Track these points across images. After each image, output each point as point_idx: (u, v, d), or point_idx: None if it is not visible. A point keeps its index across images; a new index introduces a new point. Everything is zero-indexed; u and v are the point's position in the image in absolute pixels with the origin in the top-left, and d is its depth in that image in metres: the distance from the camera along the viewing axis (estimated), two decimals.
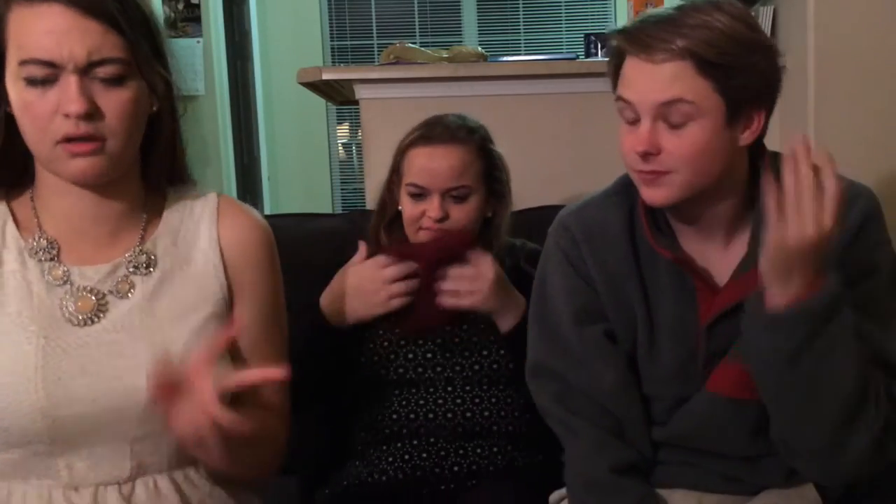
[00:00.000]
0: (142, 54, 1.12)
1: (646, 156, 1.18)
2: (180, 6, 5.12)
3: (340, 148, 6.29)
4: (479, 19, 6.09)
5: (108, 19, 1.08)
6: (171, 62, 1.19)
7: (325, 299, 1.55)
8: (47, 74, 1.07)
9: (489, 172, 1.61)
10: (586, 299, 1.33)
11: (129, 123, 1.12)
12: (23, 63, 1.07)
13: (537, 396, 1.38)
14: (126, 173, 1.18)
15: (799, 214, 1.07)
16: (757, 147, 1.26)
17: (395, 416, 1.55)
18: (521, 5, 6.04)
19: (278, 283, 1.32)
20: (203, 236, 1.24)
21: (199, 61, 5.14)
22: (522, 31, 6.04)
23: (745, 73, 1.16)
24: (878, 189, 2.29)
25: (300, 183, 6.04)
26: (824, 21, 2.28)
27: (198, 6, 5.13)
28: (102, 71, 1.09)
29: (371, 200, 2.30)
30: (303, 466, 1.60)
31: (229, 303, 1.24)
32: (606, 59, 1.27)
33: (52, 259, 1.17)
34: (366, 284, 1.52)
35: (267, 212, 5.68)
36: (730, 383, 1.26)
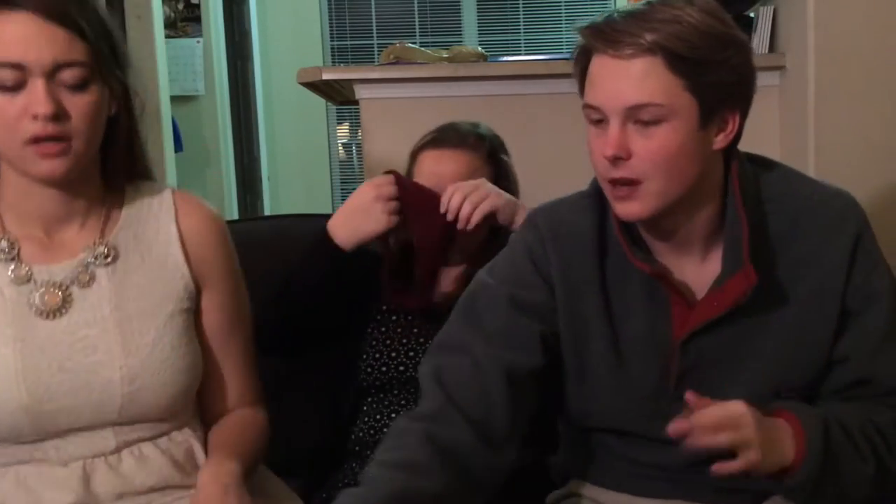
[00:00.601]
0: (103, 60, 1.17)
1: (615, 160, 1.12)
2: (180, 6, 5.13)
3: (340, 148, 6.30)
4: (479, 19, 6.09)
5: (72, 26, 1.14)
6: (129, 69, 1.24)
7: (332, 219, 1.55)
8: (16, 79, 1.12)
9: (496, 181, 1.59)
10: (541, 298, 1.25)
11: (92, 124, 1.18)
12: None
13: (421, 371, 1.24)
14: (87, 171, 1.23)
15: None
16: (731, 152, 1.21)
17: (393, 416, 1.55)
18: (521, 5, 6.04)
19: (238, 272, 1.38)
20: (162, 230, 1.29)
21: (199, 61, 5.15)
22: (522, 31, 6.05)
23: (718, 70, 1.11)
24: (879, 189, 2.30)
25: (300, 183, 6.05)
26: (824, 21, 2.28)
27: (198, 6, 5.14)
28: (67, 75, 1.14)
29: None
30: (301, 468, 1.60)
31: (195, 296, 1.31)
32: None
33: (12, 259, 1.22)
34: (366, 199, 1.51)
35: (267, 212, 5.68)
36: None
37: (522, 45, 6.00)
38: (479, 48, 2.73)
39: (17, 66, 1.12)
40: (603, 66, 1.12)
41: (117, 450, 1.23)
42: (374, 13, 6.10)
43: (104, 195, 1.27)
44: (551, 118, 2.43)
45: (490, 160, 1.62)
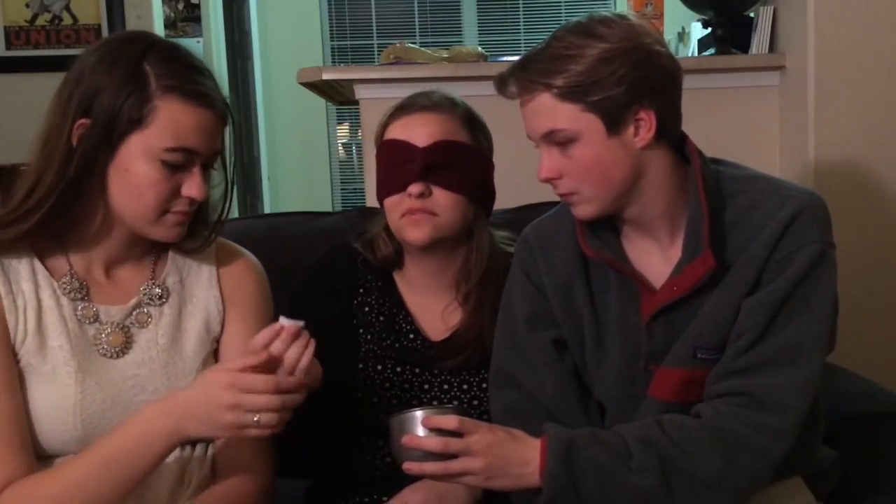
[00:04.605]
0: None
1: (549, 181, 1.28)
2: (180, 6, 5.12)
3: (340, 148, 6.29)
4: (479, 19, 6.09)
5: (226, 122, 1.29)
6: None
7: None
8: (183, 161, 1.23)
9: (476, 149, 1.50)
10: (537, 305, 1.38)
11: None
12: (171, 150, 1.21)
13: (492, 407, 1.41)
14: None
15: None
16: (675, 139, 1.29)
17: (388, 459, 1.45)
18: (521, 5, 6.04)
19: (268, 316, 1.41)
20: (204, 276, 1.38)
21: None
22: (522, 31, 6.04)
23: (602, 87, 1.20)
24: (878, 188, 2.30)
25: (300, 183, 6.04)
26: (824, 21, 2.28)
27: (198, 6, 5.13)
28: (212, 160, 1.28)
29: (371, 200, 2.29)
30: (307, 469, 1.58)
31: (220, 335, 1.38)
32: None
33: (83, 298, 1.29)
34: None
35: (267, 211, 5.67)
36: (668, 388, 1.29)
37: (522, 45, 5.99)
38: (479, 48, 2.73)
39: (191, 153, 1.23)
40: (521, 108, 1.29)
41: None
42: (374, 13, 6.10)
43: (153, 242, 1.34)
44: None
45: (467, 124, 1.49)
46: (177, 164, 1.22)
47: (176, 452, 1.29)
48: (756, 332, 1.23)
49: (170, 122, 1.20)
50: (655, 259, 1.31)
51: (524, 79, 1.25)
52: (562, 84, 1.21)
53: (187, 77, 1.22)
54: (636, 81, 1.21)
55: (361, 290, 1.54)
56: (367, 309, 1.53)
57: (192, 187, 1.24)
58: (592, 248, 1.31)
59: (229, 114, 1.29)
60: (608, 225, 1.33)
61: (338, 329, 1.51)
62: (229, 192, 1.35)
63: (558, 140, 1.24)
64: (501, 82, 1.29)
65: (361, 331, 1.52)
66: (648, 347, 1.30)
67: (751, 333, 1.23)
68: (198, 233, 1.34)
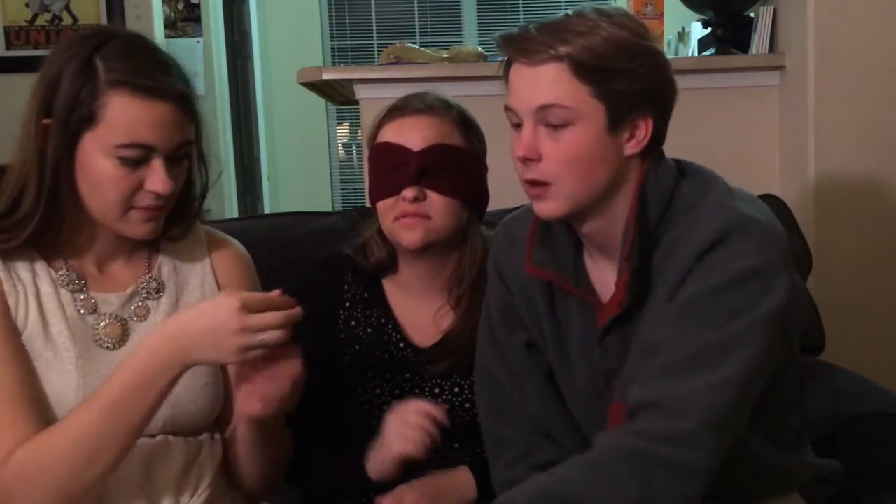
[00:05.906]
0: (198, 132, 1.28)
1: (526, 161, 1.17)
2: (180, 6, 5.12)
3: (340, 148, 6.30)
4: (479, 19, 6.09)
5: (193, 113, 1.25)
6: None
7: None
8: (140, 157, 1.20)
9: (469, 152, 1.47)
10: (507, 305, 1.35)
11: (181, 189, 1.28)
12: (123, 146, 1.18)
13: (478, 403, 1.40)
14: None
15: None
16: (652, 159, 1.21)
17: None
18: (521, 5, 6.05)
19: None
20: (198, 264, 1.37)
21: (199, 61, 5.14)
22: None
23: (624, 78, 1.14)
24: (878, 188, 2.30)
25: (300, 183, 6.05)
26: (824, 21, 2.28)
27: (198, 6, 5.14)
28: (180, 152, 1.24)
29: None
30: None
31: None
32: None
33: (80, 290, 1.28)
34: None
35: (267, 211, 5.68)
36: (621, 421, 1.17)
37: None
38: (479, 48, 2.73)
39: (149, 148, 1.20)
40: (518, 73, 1.18)
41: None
42: (374, 13, 6.10)
43: None
44: None
45: (461, 126, 1.46)
46: (134, 159, 1.19)
47: (181, 444, 1.29)
48: (660, 338, 1.13)
49: (120, 117, 1.18)
50: (610, 277, 1.24)
51: (539, 41, 1.14)
52: (581, 57, 1.12)
53: (138, 70, 1.19)
54: (651, 86, 1.16)
55: (347, 304, 1.53)
56: (353, 323, 1.52)
57: (155, 182, 1.21)
58: (535, 264, 1.25)
59: (191, 104, 1.24)
60: (570, 238, 1.27)
61: (321, 353, 1.44)
62: (205, 176, 1.33)
63: (552, 119, 1.15)
64: (508, 41, 1.18)
65: (349, 344, 1.51)
66: (605, 365, 1.25)
67: (655, 337, 1.14)
68: (181, 221, 1.32)
